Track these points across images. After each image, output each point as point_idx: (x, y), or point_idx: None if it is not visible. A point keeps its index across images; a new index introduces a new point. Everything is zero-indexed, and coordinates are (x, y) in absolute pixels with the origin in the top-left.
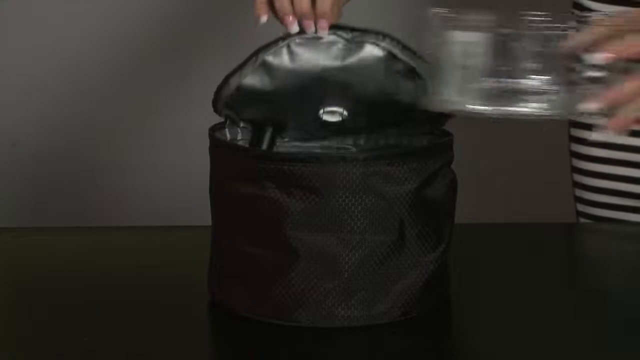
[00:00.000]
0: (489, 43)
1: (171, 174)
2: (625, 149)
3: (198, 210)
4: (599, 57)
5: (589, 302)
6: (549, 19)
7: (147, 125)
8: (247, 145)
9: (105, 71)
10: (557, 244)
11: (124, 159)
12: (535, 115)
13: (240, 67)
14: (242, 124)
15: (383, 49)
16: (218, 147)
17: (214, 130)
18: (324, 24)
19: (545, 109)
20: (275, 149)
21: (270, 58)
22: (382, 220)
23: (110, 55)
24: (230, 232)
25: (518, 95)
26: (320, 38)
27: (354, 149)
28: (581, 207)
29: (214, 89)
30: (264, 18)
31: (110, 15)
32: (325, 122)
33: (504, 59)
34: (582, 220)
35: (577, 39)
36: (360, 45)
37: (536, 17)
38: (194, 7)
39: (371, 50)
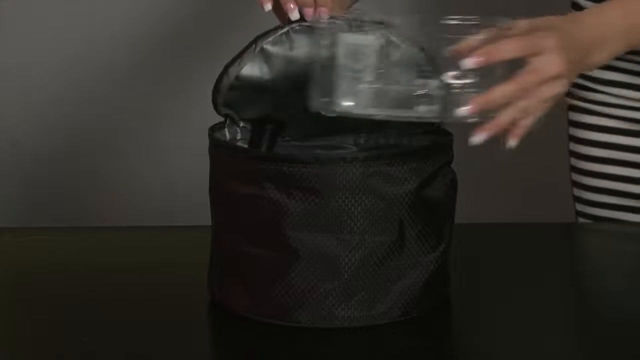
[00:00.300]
0: (378, 46)
1: (171, 174)
2: (625, 149)
3: (198, 210)
4: (469, 62)
5: (588, 302)
6: (450, 23)
7: (147, 125)
8: (246, 145)
9: (105, 71)
10: (557, 244)
11: (124, 159)
12: (422, 119)
13: (239, 55)
14: (241, 124)
15: (381, 35)
16: (217, 147)
17: (213, 130)
18: (323, 12)
19: (432, 113)
20: (275, 149)
21: (269, 46)
22: (382, 220)
23: (110, 55)
24: (230, 232)
25: (406, 99)
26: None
27: (354, 148)
28: (580, 207)
29: None
30: (267, 6)
31: (111, 16)
32: (324, 117)
33: (392, 63)
34: (581, 220)
35: (460, 45)
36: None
37: (435, 21)
38: (195, 6)
39: (369, 38)
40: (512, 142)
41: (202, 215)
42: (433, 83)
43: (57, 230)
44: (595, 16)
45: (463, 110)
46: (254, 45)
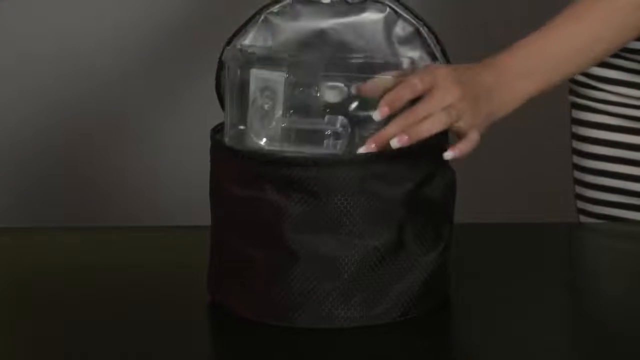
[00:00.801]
0: (287, 83)
1: (171, 174)
2: (627, 146)
3: (198, 210)
4: (377, 115)
5: (589, 302)
6: (356, 62)
7: (148, 125)
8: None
9: (106, 71)
10: (558, 243)
11: (124, 159)
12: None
13: (244, 26)
14: (241, 126)
15: (384, 6)
16: (218, 148)
17: (215, 131)
18: None
19: (339, 150)
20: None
21: (273, 16)
22: (381, 221)
23: (110, 55)
24: (229, 233)
25: (313, 136)
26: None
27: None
28: (582, 205)
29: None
30: None
31: (111, 15)
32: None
33: (301, 100)
34: (583, 217)
35: (365, 85)
36: (362, 4)
37: (340, 61)
38: (197, 7)
39: (373, 10)
40: (395, 142)
41: (202, 215)
42: (339, 121)
43: (57, 230)
44: (519, 50)
45: (363, 149)
46: (258, 16)
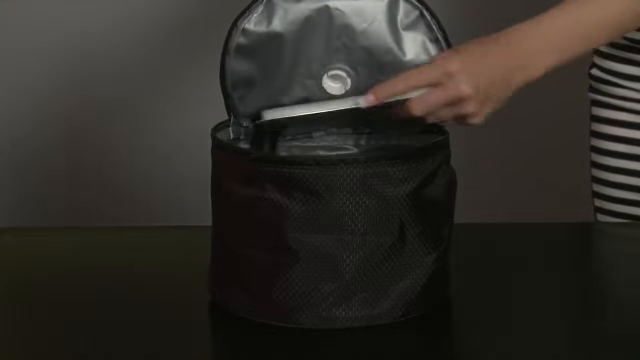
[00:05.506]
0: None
1: (172, 174)
2: None
3: (198, 210)
4: (363, 101)
5: (589, 303)
6: None
7: (148, 124)
8: (248, 146)
9: (106, 71)
10: (558, 244)
11: (124, 159)
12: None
13: (248, 7)
14: (244, 123)
15: None
16: (219, 148)
17: (216, 130)
18: None
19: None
20: (276, 150)
21: None
22: (382, 221)
23: (111, 55)
24: (230, 233)
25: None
26: None
27: (355, 150)
28: (599, 203)
29: (218, 89)
30: None
31: (111, 15)
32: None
33: None
34: (601, 216)
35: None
36: None
37: None
38: (198, 6)
39: None
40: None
41: (202, 215)
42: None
43: (57, 230)
44: (527, 29)
45: (362, 99)
46: None
